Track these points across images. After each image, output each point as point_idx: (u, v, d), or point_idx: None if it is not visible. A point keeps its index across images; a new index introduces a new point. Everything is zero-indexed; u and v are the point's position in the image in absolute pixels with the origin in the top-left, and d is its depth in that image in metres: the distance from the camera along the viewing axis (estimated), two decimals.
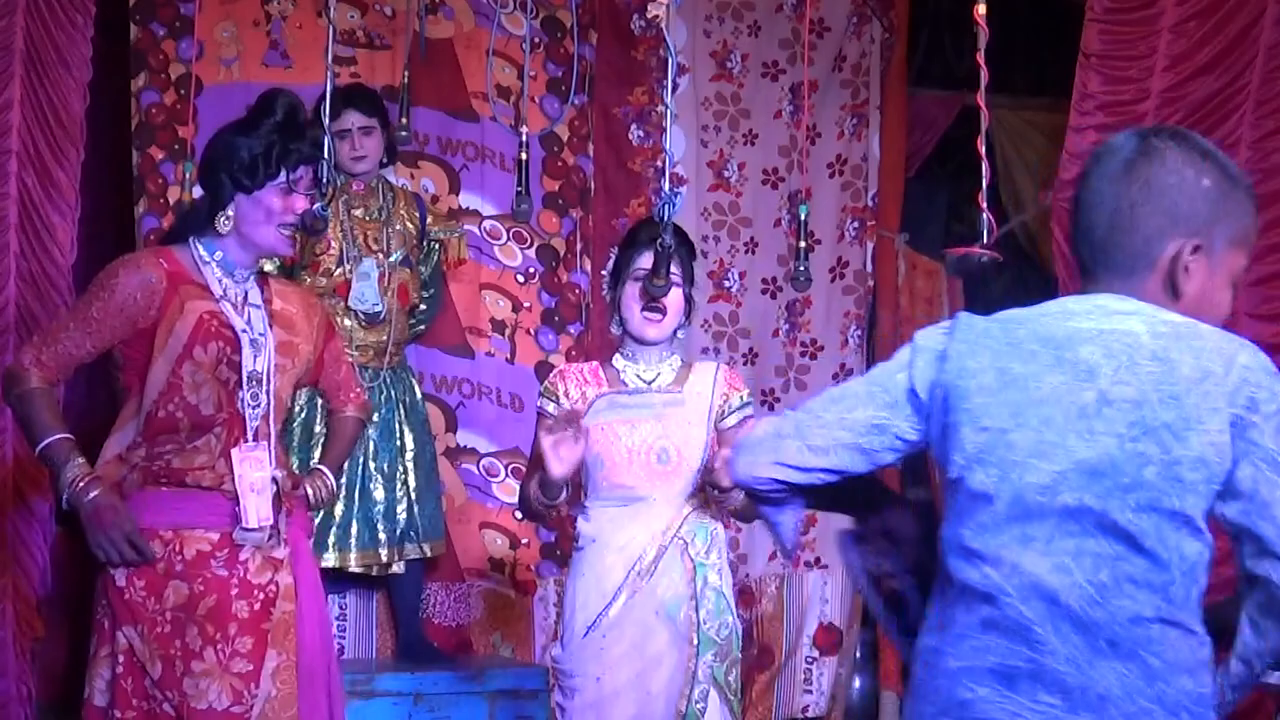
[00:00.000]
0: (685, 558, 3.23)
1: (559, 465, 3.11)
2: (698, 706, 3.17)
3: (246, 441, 3.00)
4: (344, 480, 4.50)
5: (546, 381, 3.41)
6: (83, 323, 2.99)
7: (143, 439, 2.99)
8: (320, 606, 3.15)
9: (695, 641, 3.19)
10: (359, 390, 3.53)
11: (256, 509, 2.98)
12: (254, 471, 2.99)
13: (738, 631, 3.29)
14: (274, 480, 3.03)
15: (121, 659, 2.94)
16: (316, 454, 4.41)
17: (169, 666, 2.92)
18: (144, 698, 2.93)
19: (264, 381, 3.03)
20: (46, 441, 2.96)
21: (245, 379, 3.00)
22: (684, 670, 3.18)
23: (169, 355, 2.96)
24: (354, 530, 4.51)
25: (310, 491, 3.29)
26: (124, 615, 2.94)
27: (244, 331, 3.01)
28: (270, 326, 3.08)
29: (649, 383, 3.32)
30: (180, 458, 2.97)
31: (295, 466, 3.52)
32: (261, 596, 3.00)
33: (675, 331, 3.35)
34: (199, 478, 2.98)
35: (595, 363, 3.45)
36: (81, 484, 2.92)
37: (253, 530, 2.99)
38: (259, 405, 3.02)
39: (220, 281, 3.04)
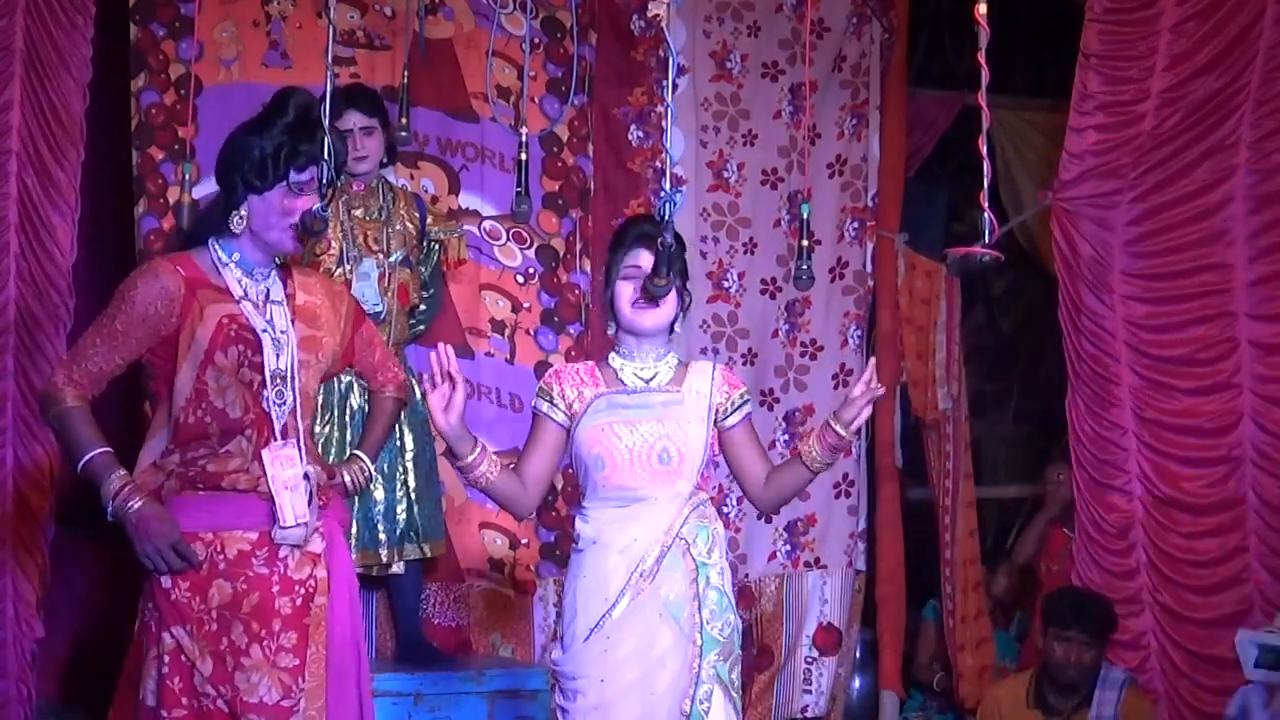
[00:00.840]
0: (688, 558, 3.22)
1: (442, 416, 3.08)
2: (702, 707, 3.17)
3: (275, 440, 3.02)
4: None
5: (541, 381, 3.39)
6: (108, 337, 3.00)
7: (175, 445, 3.01)
8: (352, 599, 3.16)
9: (699, 642, 3.19)
10: (397, 370, 3.54)
11: (292, 506, 3.00)
12: (286, 470, 3.01)
13: (739, 629, 3.29)
14: (306, 476, 3.04)
15: (168, 659, 2.97)
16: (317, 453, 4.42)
17: (219, 663, 2.96)
18: (193, 696, 2.97)
19: (288, 379, 3.05)
20: (88, 457, 2.96)
21: (269, 378, 3.01)
22: (688, 671, 3.18)
23: (193, 362, 2.99)
24: (354, 530, 4.50)
25: (348, 478, 3.32)
26: (171, 616, 2.97)
27: (265, 331, 3.03)
28: (292, 323, 3.09)
29: (647, 381, 3.32)
30: (214, 462, 3.00)
31: None
32: (302, 592, 3.03)
33: (671, 328, 3.35)
34: (234, 481, 3.00)
35: (591, 362, 3.44)
36: (124, 495, 2.93)
37: (290, 528, 3.01)
38: (285, 402, 3.04)
39: (240, 282, 3.06)
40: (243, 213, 3.04)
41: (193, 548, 2.95)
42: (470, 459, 3.18)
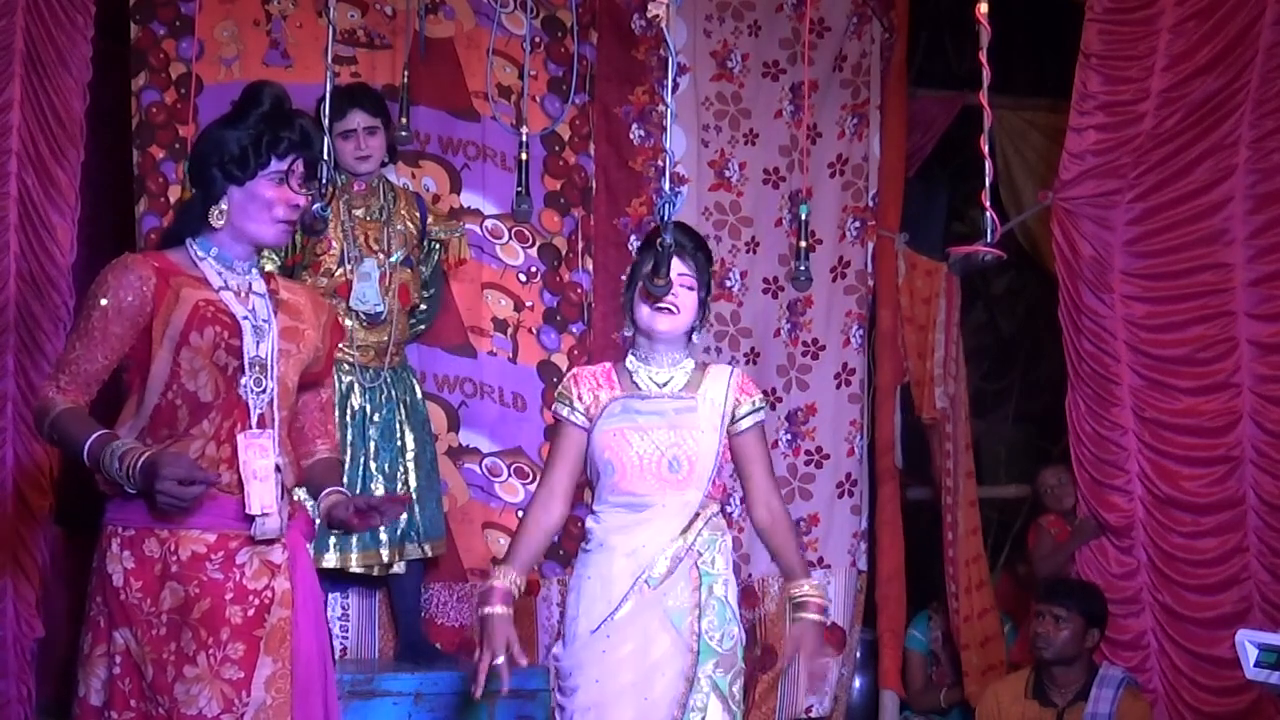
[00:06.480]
0: (694, 570, 3.25)
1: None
2: (694, 716, 3.18)
3: (251, 428, 2.94)
4: (344, 482, 4.50)
5: (560, 387, 3.41)
6: (85, 336, 2.95)
7: (146, 431, 2.94)
8: (317, 612, 3.07)
9: (696, 649, 3.21)
10: (335, 432, 3.41)
11: (259, 496, 2.92)
12: (258, 459, 2.93)
13: (742, 642, 3.30)
14: (278, 468, 2.97)
15: (119, 659, 2.90)
16: None
17: (160, 671, 2.88)
18: (142, 699, 2.89)
19: (268, 367, 2.99)
20: (88, 444, 2.86)
21: (248, 364, 2.95)
22: (683, 678, 3.19)
23: (168, 345, 2.92)
24: None
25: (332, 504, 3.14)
26: (120, 617, 2.90)
27: (245, 318, 2.97)
28: (275, 313, 3.04)
29: (661, 386, 3.33)
30: (176, 446, 2.90)
31: None
32: (256, 602, 2.94)
33: (690, 334, 3.36)
34: None
35: (609, 365, 3.45)
36: (127, 458, 2.81)
37: (262, 517, 2.92)
38: (263, 390, 2.97)
39: (219, 273, 3.01)
40: (223, 206, 2.99)
41: (203, 470, 2.82)
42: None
